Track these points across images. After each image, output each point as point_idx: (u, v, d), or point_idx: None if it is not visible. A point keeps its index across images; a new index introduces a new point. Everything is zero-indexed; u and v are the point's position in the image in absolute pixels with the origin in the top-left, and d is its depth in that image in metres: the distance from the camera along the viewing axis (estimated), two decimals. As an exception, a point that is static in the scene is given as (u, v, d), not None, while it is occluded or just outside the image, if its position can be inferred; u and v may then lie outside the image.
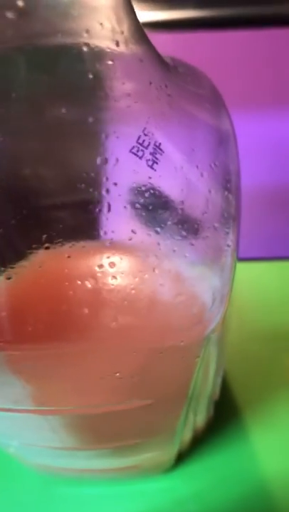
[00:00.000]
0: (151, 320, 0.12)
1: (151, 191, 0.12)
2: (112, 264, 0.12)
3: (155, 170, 0.12)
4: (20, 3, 0.09)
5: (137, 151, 0.11)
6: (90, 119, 0.11)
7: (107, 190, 0.11)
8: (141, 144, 0.11)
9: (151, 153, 0.12)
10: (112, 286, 0.12)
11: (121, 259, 0.12)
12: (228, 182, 0.14)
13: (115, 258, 0.12)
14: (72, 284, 0.12)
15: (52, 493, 0.24)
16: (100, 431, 0.17)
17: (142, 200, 0.12)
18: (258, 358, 0.27)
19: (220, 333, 0.15)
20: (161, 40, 0.15)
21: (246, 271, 0.31)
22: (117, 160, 0.11)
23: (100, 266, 0.12)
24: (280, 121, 0.35)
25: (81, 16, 0.10)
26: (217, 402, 0.25)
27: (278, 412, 0.26)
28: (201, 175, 0.13)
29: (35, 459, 0.21)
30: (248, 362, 0.27)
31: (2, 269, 0.12)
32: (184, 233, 0.12)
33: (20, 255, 0.12)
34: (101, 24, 0.10)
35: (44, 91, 0.11)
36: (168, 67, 0.13)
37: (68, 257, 0.12)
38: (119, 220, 0.12)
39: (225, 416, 0.26)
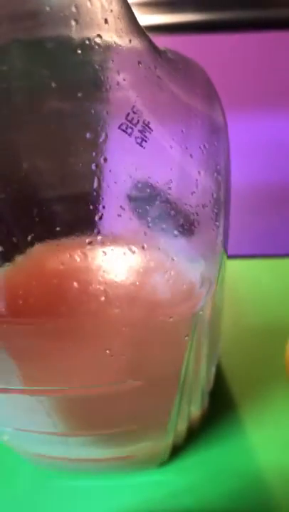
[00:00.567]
0: (140, 295, 0.12)
1: (140, 170, 0.12)
2: (102, 240, 0.12)
3: (144, 148, 0.12)
4: None
5: (126, 128, 0.12)
6: (79, 94, 0.11)
7: (98, 166, 0.12)
8: (130, 122, 0.12)
9: (140, 131, 0.12)
10: (102, 262, 0.12)
11: (111, 235, 0.12)
12: (217, 165, 0.14)
13: (105, 234, 0.12)
14: (63, 259, 0.12)
15: (47, 485, 0.25)
16: (93, 415, 0.17)
17: (131, 179, 0.12)
18: (253, 352, 0.27)
19: (210, 317, 0.16)
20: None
21: (241, 268, 0.31)
22: (107, 136, 0.11)
23: (90, 242, 0.12)
24: (274, 122, 0.36)
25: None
26: (212, 396, 0.25)
27: (273, 405, 0.26)
28: (191, 156, 0.13)
29: (29, 446, 0.21)
30: (243, 356, 0.27)
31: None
32: (172, 212, 0.13)
33: (17, 248, 0.12)
34: (90, 1, 0.10)
35: (40, 80, 0.11)
36: (159, 53, 0.14)
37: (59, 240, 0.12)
38: (109, 198, 0.12)
39: (220, 410, 0.26)
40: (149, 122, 0.12)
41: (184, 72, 0.15)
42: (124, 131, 0.12)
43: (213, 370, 0.21)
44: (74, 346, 0.13)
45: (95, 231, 0.12)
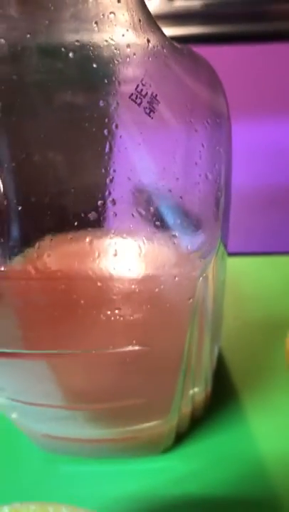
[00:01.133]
0: (147, 257, 0.13)
1: (146, 140, 0.13)
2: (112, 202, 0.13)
3: (152, 118, 0.13)
4: None
5: (136, 98, 0.13)
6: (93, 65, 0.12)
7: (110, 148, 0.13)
8: (139, 93, 0.13)
9: (148, 102, 0.13)
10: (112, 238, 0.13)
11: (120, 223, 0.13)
12: (219, 140, 0.15)
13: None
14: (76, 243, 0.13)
15: (52, 470, 0.25)
16: (99, 384, 0.18)
17: (137, 146, 0.13)
18: (254, 343, 0.28)
19: (212, 291, 0.17)
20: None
21: (244, 264, 0.32)
22: (118, 104, 0.12)
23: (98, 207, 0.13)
24: (278, 128, 0.37)
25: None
26: (215, 385, 0.26)
27: (274, 394, 0.26)
28: (196, 130, 0.14)
29: (35, 425, 0.21)
30: (244, 346, 0.28)
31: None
32: (177, 177, 0.14)
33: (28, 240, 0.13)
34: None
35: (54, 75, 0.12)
36: (166, 39, 0.15)
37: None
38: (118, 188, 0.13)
39: (222, 399, 0.26)
40: (156, 95, 0.13)
41: (188, 58, 0.16)
42: (134, 101, 0.13)
43: (216, 351, 0.22)
44: (85, 306, 0.14)
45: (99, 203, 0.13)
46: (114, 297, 0.14)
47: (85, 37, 0.12)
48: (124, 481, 0.24)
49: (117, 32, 0.12)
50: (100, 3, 0.12)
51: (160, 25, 0.14)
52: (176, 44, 0.17)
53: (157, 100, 0.13)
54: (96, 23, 0.12)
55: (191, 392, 0.22)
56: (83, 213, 0.13)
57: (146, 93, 0.13)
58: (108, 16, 0.12)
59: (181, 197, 0.14)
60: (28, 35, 0.12)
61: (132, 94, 0.13)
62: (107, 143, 0.12)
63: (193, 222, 0.14)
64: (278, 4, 0.41)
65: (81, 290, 0.14)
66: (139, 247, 0.13)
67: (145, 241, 0.13)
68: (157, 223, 0.14)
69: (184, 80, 0.15)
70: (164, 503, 0.23)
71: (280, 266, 0.31)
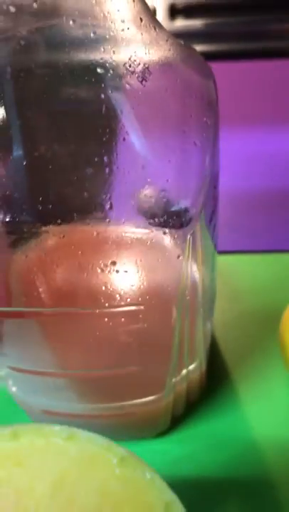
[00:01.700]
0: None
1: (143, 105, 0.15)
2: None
3: (144, 86, 0.15)
4: None
5: (130, 66, 0.14)
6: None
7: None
8: (133, 62, 0.14)
9: (141, 71, 0.15)
10: None
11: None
12: (207, 113, 0.17)
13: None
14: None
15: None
16: (94, 347, 0.19)
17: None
18: (248, 333, 0.29)
19: (201, 257, 0.18)
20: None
21: (239, 261, 0.33)
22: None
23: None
24: (273, 138, 0.40)
25: None
26: (209, 372, 0.27)
27: (267, 379, 0.27)
28: (184, 102, 0.16)
29: (33, 399, 0.22)
30: (238, 336, 0.29)
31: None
32: (167, 142, 0.15)
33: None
34: None
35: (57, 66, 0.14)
36: (159, 25, 0.17)
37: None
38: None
39: (217, 384, 0.27)
40: (148, 66, 0.15)
41: (181, 46, 0.18)
42: (127, 69, 0.14)
43: (209, 328, 0.23)
44: (82, 260, 0.15)
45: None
46: (110, 249, 0.15)
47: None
48: (120, 463, 0.25)
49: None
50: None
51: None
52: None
53: (149, 71, 0.15)
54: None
55: (185, 370, 0.23)
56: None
57: (139, 63, 0.15)
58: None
59: (169, 160, 0.15)
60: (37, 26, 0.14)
61: (125, 63, 0.14)
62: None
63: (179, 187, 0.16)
64: (271, 25, 0.44)
65: (79, 244, 0.15)
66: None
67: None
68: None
69: (175, 60, 0.17)
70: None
71: (274, 262, 0.33)
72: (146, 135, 0.15)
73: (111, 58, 0.14)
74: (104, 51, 0.14)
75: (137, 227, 0.15)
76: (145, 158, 0.14)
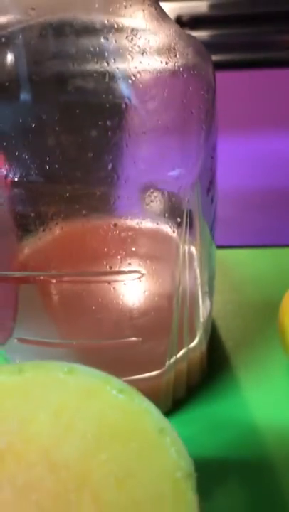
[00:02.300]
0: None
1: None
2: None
3: (143, 55, 0.16)
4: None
5: (132, 39, 0.16)
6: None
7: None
8: (135, 35, 0.16)
9: (142, 44, 0.16)
10: None
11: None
12: (204, 87, 0.18)
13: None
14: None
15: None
16: (96, 316, 0.20)
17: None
18: (248, 321, 0.30)
19: (198, 225, 0.19)
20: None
21: (240, 255, 0.34)
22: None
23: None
24: (272, 139, 0.41)
25: None
26: (210, 356, 0.27)
27: (266, 364, 0.28)
28: (183, 75, 0.17)
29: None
30: (239, 324, 0.30)
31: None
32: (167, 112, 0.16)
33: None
34: None
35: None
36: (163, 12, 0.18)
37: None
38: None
39: (217, 370, 0.28)
40: (149, 41, 0.16)
41: (180, 31, 0.19)
42: (129, 41, 0.16)
43: (209, 305, 0.23)
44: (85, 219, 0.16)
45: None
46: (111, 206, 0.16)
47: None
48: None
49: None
50: None
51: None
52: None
53: (150, 46, 0.16)
54: None
55: (185, 349, 0.24)
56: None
57: (140, 37, 0.16)
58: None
59: (167, 127, 0.16)
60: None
61: (126, 36, 0.15)
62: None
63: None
64: (273, 36, 0.46)
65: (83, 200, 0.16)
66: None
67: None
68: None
69: (176, 46, 0.18)
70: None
71: (275, 256, 0.34)
72: (148, 103, 0.16)
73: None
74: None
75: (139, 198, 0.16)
76: (145, 124, 0.15)
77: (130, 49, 0.15)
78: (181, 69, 0.17)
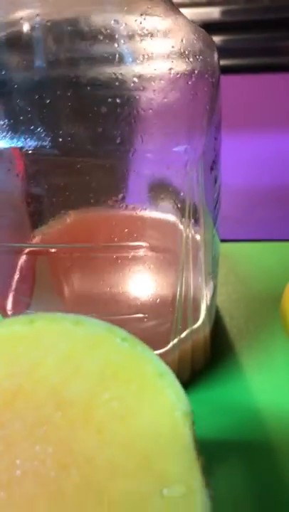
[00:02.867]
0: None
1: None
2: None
3: (152, 39, 0.17)
4: None
5: (141, 23, 0.17)
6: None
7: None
8: (144, 20, 0.17)
9: (151, 27, 0.17)
10: None
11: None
12: (209, 71, 0.19)
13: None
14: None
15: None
16: (102, 289, 0.21)
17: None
18: (252, 310, 0.31)
19: (201, 205, 0.20)
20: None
21: (245, 249, 0.35)
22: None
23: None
24: (276, 138, 0.43)
25: None
26: (214, 343, 0.28)
27: (270, 350, 0.28)
28: (188, 58, 0.18)
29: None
30: (242, 313, 0.31)
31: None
32: (172, 92, 0.17)
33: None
34: None
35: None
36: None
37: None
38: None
39: (221, 356, 0.29)
40: (157, 25, 0.17)
41: (187, 20, 0.20)
42: (138, 26, 0.17)
43: (212, 287, 0.24)
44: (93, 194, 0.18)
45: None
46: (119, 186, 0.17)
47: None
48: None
49: None
50: None
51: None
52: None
53: (158, 30, 0.17)
54: None
55: (189, 330, 0.24)
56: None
57: (146, 18, 0.17)
58: None
59: (173, 105, 0.17)
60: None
61: (136, 20, 0.17)
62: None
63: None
64: (281, 42, 0.47)
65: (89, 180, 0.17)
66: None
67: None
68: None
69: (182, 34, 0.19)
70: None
71: (276, 250, 0.35)
72: (155, 83, 0.17)
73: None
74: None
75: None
76: (151, 102, 0.17)
77: (139, 32, 0.17)
78: (186, 52, 0.18)
